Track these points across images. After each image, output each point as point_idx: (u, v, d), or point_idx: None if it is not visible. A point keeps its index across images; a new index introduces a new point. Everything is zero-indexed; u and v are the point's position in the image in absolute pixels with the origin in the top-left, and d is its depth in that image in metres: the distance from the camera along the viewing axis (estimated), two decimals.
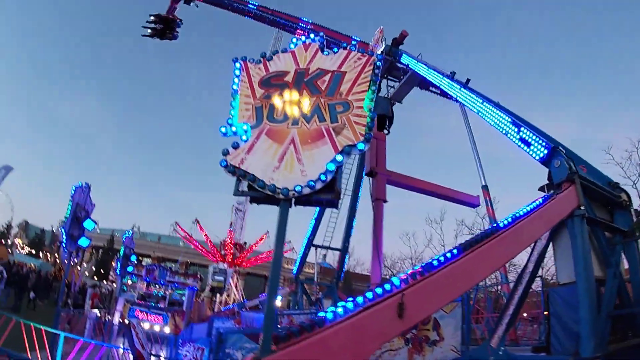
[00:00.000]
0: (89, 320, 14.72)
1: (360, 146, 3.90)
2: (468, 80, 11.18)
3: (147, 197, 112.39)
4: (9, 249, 35.91)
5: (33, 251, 44.05)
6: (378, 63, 4.31)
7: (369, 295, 4.04)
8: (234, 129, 4.33)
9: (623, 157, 21.86)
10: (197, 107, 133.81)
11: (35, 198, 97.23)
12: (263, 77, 4.61)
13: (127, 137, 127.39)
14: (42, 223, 56.77)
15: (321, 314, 3.80)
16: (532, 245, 6.91)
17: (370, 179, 15.94)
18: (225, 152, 4.10)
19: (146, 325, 14.88)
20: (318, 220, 17.82)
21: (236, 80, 4.66)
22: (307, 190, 3.78)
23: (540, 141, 7.76)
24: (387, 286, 4.16)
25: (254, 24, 18.26)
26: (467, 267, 4.89)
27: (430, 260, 4.78)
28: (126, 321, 15.11)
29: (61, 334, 8.52)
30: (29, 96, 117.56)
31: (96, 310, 17.56)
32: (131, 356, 8.39)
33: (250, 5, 17.90)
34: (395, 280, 4.25)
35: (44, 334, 8.28)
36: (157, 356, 10.43)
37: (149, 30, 20.53)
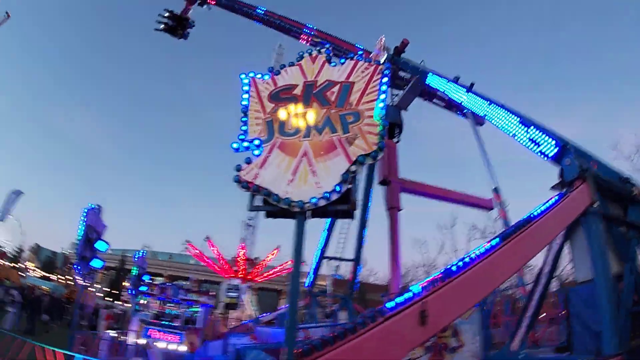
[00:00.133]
0: (104, 341, 14.70)
1: (374, 155, 3.90)
2: (472, 85, 11.17)
3: (156, 216, 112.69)
4: (22, 273, 36.06)
5: (45, 274, 44.18)
6: (386, 72, 4.33)
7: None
8: (245, 144, 4.36)
9: (631, 152, 21.80)
10: (206, 123, 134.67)
11: (46, 221, 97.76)
12: (272, 91, 4.65)
13: (135, 155, 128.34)
14: (53, 246, 57.04)
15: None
16: (548, 245, 6.84)
17: (384, 187, 15.79)
18: (239, 168, 4.12)
19: (161, 345, 14.79)
20: (329, 232, 17.78)
21: (245, 95, 4.70)
22: (322, 202, 3.78)
23: (550, 140, 7.75)
24: (408, 294, 4.13)
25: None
26: (487, 270, 4.85)
27: (449, 266, 4.74)
28: (142, 341, 15.06)
29: (77, 355, 8.52)
30: (39, 118, 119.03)
31: (111, 331, 17.51)
32: None
33: (259, 11, 18.82)
34: (415, 288, 4.22)
35: (60, 357, 8.26)
36: None
37: (162, 25, 21.23)
